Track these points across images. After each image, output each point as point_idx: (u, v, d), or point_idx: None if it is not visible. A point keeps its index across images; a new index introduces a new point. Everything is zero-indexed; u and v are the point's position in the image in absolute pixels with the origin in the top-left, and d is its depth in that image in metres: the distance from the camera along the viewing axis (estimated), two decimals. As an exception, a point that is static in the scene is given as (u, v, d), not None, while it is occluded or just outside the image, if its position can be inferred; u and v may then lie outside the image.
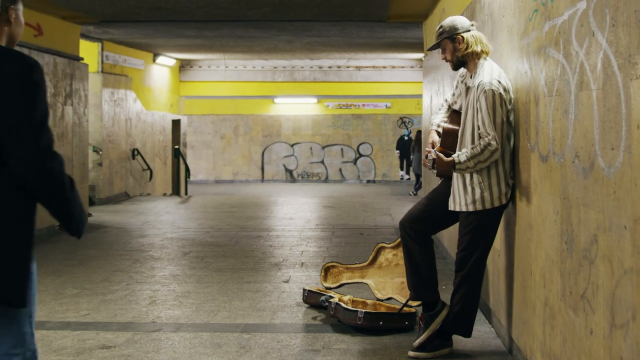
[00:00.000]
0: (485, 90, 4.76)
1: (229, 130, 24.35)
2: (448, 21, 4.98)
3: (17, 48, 3.07)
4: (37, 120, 2.81)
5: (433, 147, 5.21)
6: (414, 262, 5.24)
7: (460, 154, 4.86)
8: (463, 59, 4.97)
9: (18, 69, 2.84)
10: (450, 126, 5.19)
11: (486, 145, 4.74)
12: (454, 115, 5.28)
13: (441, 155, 4.96)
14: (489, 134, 4.75)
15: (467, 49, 4.91)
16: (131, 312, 6.35)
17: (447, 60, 5.07)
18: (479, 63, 4.93)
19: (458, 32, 4.93)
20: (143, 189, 17.76)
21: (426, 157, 5.08)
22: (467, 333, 5.12)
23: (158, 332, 5.73)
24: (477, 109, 4.83)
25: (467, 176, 4.90)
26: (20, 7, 3.07)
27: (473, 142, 4.88)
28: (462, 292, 5.01)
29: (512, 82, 4.93)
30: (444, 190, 5.18)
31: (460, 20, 4.97)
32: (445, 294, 5.52)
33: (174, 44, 16.85)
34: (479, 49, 4.92)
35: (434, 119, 5.42)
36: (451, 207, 5.04)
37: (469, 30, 4.96)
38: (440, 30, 5.00)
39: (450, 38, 4.96)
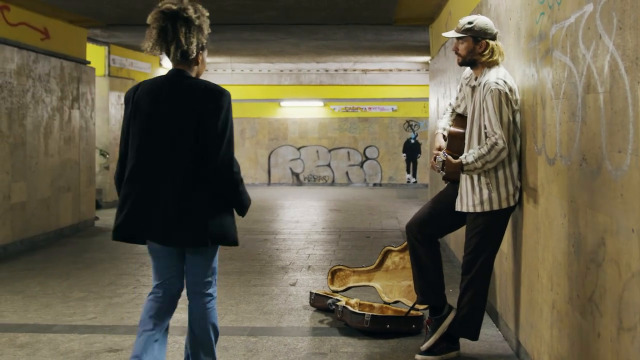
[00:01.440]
0: (491, 90, 4.75)
1: (236, 134, 24.30)
2: (481, 21, 4.90)
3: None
4: (227, 137, 3.96)
5: (440, 150, 5.20)
6: (421, 266, 5.24)
7: (468, 155, 4.85)
8: (476, 60, 4.93)
9: (218, 95, 3.98)
10: (456, 129, 5.19)
11: (493, 145, 4.74)
12: (459, 119, 5.27)
13: (449, 157, 4.95)
14: (495, 133, 4.74)
15: (491, 56, 4.88)
16: (138, 316, 6.34)
17: (457, 54, 5.00)
18: (487, 67, 4.92)
19: (486, 37, 4.90)
20: (150, 193, 17.78)
21: (434, 159, 5.06)
22: (475, 336, 5.11)
23: (165, 336, 5.73)
24: (483, 108, 4.82)
25: (475, 177, 4.89)
26: (206, 52, 4.27)
27: (480, 142, 4.88)
28: (469, 295, 5.00)
29: (519, 85, 4.93)
30: (451, 193, 5.17)
31: (490, 25, 4.91)
32: (452, 297, 5.51)
33: (180, 48, 16.86)
34: (498, 59, 4.91)
35: (440, 123, 5.41)
36: (458, 208, 5.03)
37: (494, 39, 4.93)
38: (470, 26, 4.88)
39: (475, 38, 4.93)
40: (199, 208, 3.94)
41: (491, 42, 4.89)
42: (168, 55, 4.08)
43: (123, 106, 5.04)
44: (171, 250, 4.08)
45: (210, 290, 4.14)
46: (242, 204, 4.13)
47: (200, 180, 3.95)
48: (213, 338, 4.19)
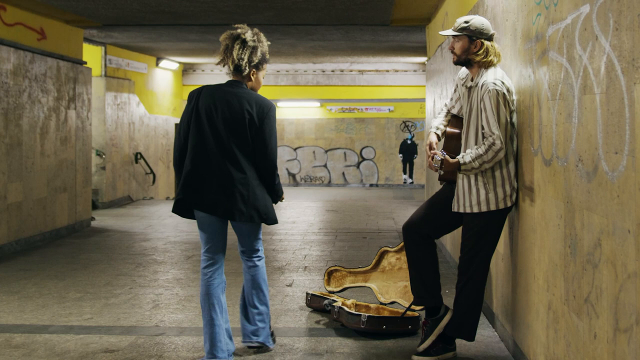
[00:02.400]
0: (489, 90, 4.76)
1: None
2: (477, 21, 4.90)
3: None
4: (273, 141, 5.03)
5: (431, 149, 5.20)
6: (417, 267, 5.24)
7: (465, 155, 4.85)
8: (471, 60, 4.94)
9: (267, 105, 5.02)
10: (452, 130, 5.19)
11: (490, 145, 4.74)
12: (454, 120, 5.27)
13: (447, 157, 4.95)
14: (493, 133, 4.75)
15: (485, 57, 4.89)
16: (134, 316, 6.35)
17: (453, 52, 5.00)
18: (483, 68, 4.93)
19: (481, 37, 4.90)
20: (146, 193, 17.77)
21: (432, 158, 5.04)
22: (471, 337, 5.11)
23: (161, 336, 5.73)
24: (480, 109, 4.82)
25: (472, 177, 4.90)
26: (262, 72, 5.17)
27: (477, 142, 4.88)
28: (465, 295, 5.01)
29: (515, 86, 4.93)
30: (447, 194, 5.17)
31: (487, 26, 4.92)
32: (449, 298, 5.51)
33: (177, 48, 16.86)
34: (493, 60, 4.91)
35: (433, 122, 5.42)
36: (455, 209, 5.03)
37: (490, 39, 4.93)
38: (467, 25, 4.89)
39: (470, 37, 4.92)
40: (249, 193, 4.98)
41: (486, 43, 4.89)
42: (229, 67, 5.09)
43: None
44: (217, 223, 5.07)
45: (259, 253, 5.28)
46: (277, 194, 5.20)
47: (250, 170, 5.00)
48: (265, 290, 5.30)
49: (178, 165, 5.10)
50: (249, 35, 5.06)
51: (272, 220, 5.13)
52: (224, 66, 5.10)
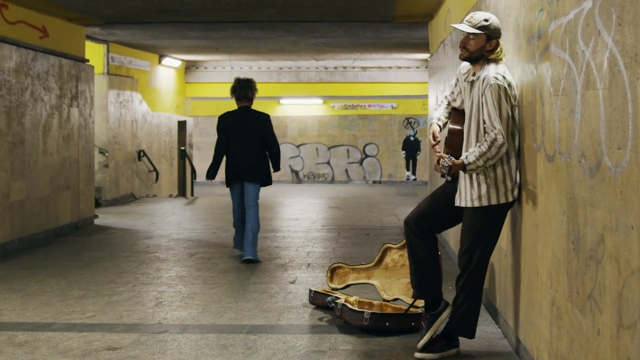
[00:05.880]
0: (490, 85, 4.74)
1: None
2: (495, 20, 4.88)
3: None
4: (275, 138, 8.77)
5: (434, 138, 5.18)
6: (418, 260, 5.23)
7: (469, 155, 4.82)
8: (480, 57, 4.91)
9: (265, 117, 8.78)
10: (455, 126, 5.18)
11: (493, 141, 4.72)
12: (456, 114, 5.26)
13: (454, 160, 4.88)
14: (494, 128, 4.73)
15: (499, 55, 4.88)
16: (137, 314, 6.35)
17: (466, 49, 4.91)
18: (486, 63, 4.92)
19: (498, 36, 4.89)
20: (149, 191, 17.77)
21: (438, 162, 4.95)
22: (471, 334, 5.10)
23: (164, 334, 5.73)
24: (482, 103, 4.81)
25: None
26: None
27: (478, 137, 4.86)
28: (465, 293, 4.99)
29: (518, 82, 4.92)
30: (450, 189, 5.16)
31: (500, 25, 4.93)
32: (451, 295, 5.50)
33: (179, 46, 16.86)
34: (503, 58, 4.91)
35: (435, 113, 5.43)
36: (457, 203, 5.02)
37: (500, 37, 4.94)
38: (487, 23, 4.83)
39: (489, 36, 4.87)
40: (260, 168, 8.70)
41: (500, 42, 4.90)
42: (237, 99, 8.84)
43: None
44: (240, 189, 8.72)
45: (256, 205, 8.69)
46: (278, 166, 8.82)
47: (265, 157, 8.73)
48: (256, 232, 8.67)
49: (216, 164, 8.94)
50: (246, 80, 8.86)
51: (269, 183, 8.80)
52: (233, 98, 8.87)
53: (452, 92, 5.35)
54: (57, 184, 11.10)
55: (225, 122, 8.71)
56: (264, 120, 8.66)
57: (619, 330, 3.09)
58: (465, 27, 4.90)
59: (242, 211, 8.69)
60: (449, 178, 4.99)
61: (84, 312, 6.39)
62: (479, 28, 4.86)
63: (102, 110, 14.99)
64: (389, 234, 11.10)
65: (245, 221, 8.60)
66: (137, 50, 17.09)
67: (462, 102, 5.23)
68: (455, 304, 5.07)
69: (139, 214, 13.88)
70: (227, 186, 8.76)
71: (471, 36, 4.88)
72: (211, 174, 8.79)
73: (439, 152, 5.02)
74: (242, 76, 9.01)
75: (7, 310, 6.48)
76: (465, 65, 5.13)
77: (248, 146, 8.57)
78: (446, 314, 5.15)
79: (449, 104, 5.39)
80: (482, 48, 4.88)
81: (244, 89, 8.71)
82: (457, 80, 5.27)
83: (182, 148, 19.82)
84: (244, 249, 8.62)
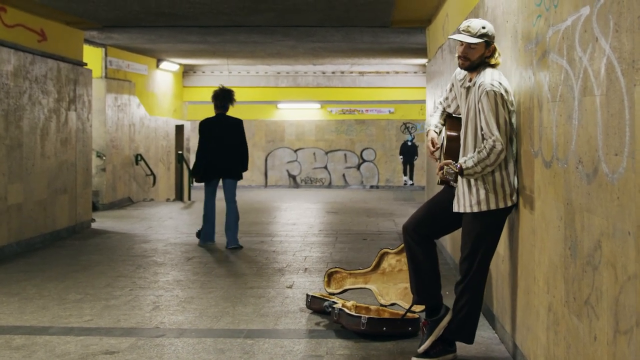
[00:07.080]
0: (486, 91, 4.75)
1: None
2: (490, 25, 4.90)
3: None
4: (245, 138, 10.25)
5: (434, 145, 5.20)
6: (417, 266, 5.24)
7: (467, 160, 4.83)
8: (481, 63, 4.92)
9: (239, 121, 10.26)
10: (451, 133, 5.19)
11: (492, 148, 4.73)
12: (452, 121, 5.27)
13: (458, 165, 4.87)
14: (492, 135, 4.74)
15: (497, 59, 4.90)
16: (134, 318, 6.35)
17: (467, 59, 4.90)
18: (482, 69, 4.93)
19: (494, 40, 4.91)
20: (146, 195, 17.76)
21: (441, 169, 4.92)
22: (470, 340, 5.10)
23: (161, 338, 5.73)
24: (479, 110, 4.82)
25: (472, 178, 4.88)
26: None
27: (475, 143, 4.87)
28: (465, 298, 4.99)
29: (515, 87, 4.93)
30: (448, 194, 5.17)
31: (494, 28, 4.95)
32: (449, 300, 5.51)
33: (177, 50, 16.87)
34: (500, 61, 4.94)
35: (431, 120, 5.42)
36: (455, 209, 5.03)
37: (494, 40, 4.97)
38: (485, 30, 4.84)
39: (487, 42, 4.89)
40: (238, 166, 9.99)
41: (496, 45, 4.93)
42: (216, 106, 10.18)
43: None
44: (216, 186, 10.06)
45: (235, 200, 9.94)
46: (246, 165, 10.09)
47: (239, 157, 10.01)
48: (237, 223, 10.00)
49: (198, 165, 10.11)
50: (226, 90, 10.27)
51: (241, 178, 10.12)
52: (215, 106, 10.21)
53: (447, 98, 5.36)
54: (55, 187, 11.10)
55: (207, 127, 10.09)
56: (239, 124, 10.11)
57: (616, 335, 3.10)
58: (466, 38, 4.87)
59: (213, 205, 10.06)
60: (455, 184, 4.99)
61: (81, 316, 6.39)
62: (479, 37, 4.86)
63: (99, 114, 14.99)
64: (387, 239, 11.10)
65: (227, 214, 9.90)
66: (135, 54, 17.09)
67: (457, 107, 5.24)
68: (455, 308, 5.08)
69: (136, 217, 13.87)
70: (202, 182, 10.12)
71: (472, 45, 4.88)
72: (201, 174, 10.04)
73: (440, 160, 5.03)
74: (225, 85, 10.43)
75: (4, 314, 6.48)
76: (461, 70, 5.13)
77: (227, 147, 9.92)
78: (447, 319, 5.15)
79: (444, 110, 5.40)
80: (482, 55, 4.90)
81: (225, 99, 10.12)
82: (452, 85, 5.28)
83: (180, 152, 19.82)
84: (229, 238, 9.95)
